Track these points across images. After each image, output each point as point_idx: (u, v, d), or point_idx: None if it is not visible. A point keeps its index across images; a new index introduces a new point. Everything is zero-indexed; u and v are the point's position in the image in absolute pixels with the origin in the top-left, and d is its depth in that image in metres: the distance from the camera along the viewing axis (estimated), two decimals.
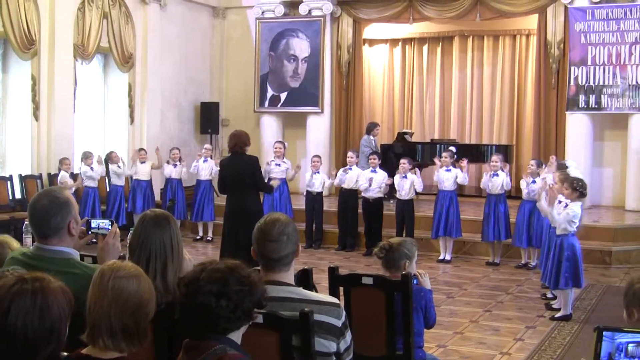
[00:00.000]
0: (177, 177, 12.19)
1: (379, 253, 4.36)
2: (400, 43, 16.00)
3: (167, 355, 2.98)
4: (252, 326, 2.62)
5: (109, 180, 12.23)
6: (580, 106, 12.63)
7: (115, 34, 12.90)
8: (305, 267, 3.86)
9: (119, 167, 11.88)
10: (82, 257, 3.37)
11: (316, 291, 3.55)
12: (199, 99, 15.36)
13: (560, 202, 7.18)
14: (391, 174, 10.87)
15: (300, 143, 14.67)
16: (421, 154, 13.26)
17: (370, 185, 10.75)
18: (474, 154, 13.38)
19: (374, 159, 10.96)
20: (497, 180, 9.99)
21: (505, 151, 12.64)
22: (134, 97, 13.60)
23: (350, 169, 11.09)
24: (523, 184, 9.72)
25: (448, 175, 10.38)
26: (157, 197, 12.53)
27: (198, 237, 12.23)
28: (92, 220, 3.43)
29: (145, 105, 13.75)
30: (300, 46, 14.63)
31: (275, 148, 11.71)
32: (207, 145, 12.69)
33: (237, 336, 2.53)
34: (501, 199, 10.07)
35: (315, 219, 11.41)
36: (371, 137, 12.79)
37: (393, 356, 4.17)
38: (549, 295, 8.08)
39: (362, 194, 10.99)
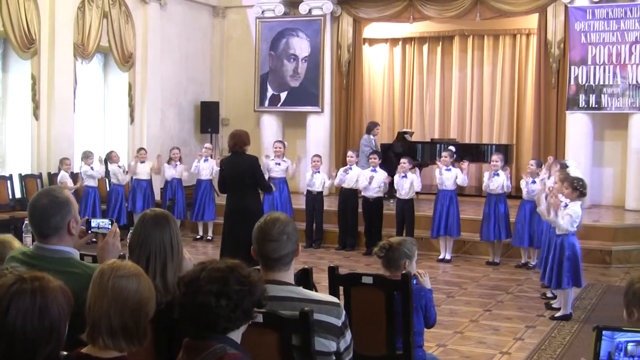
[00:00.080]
0: (177, 177, 12.19)
1: (379, 252, 4.36)
2: (400, 42, 16.00)
3: (167, 354, 2.98)
4: (252, 325, 2.63)
5: (109, 179, 12.23)
6: (580, 106, 12.63)
7: (115, 34, 12.90)
8: (305, 266, 3.86)
9: (119, 167, 11.88)
10: (82, 256, 3.37)
11: (316, 290, 3.55)
12: (199, 99, 15.36)
13: (560, 201, 7.18)
14: (391, 174, 10.86)
15: (300, 142, 14.66)
16: (421, 154, 13.26)
17: (370, 183, 10.75)
18: (474, 153, 13.38)
19: (374, 158, 10.96)
20: (497, 179, 9.99)
21: (505, 151, 12.63)
22: (134, 97, 13.60)
23: (350, 168, 11.09)
24: (523, 183, 9.73)
25: (448, 175, 10.38)
26: (157, 197, 12.53)
27: (198, 237, 12.23)
28: (92, 220, 3.42)
29: (145, 105, 13.74)
30: (300, 45, 14.62)
31: (275, 148, 11.71)
32: (208, 145, 12.69)
33: (237, 335, 2.53)
34: (501, 198, 10.08)
35: (315, 218, 11.41)
36: (371, 136, 12.79)
37: (393, 356, 4.17)
38: (549, 294, 8.09)
39: (362, 194, 11.00)
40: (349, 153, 11.42)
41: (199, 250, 11.25)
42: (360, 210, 11.09)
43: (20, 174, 11.41)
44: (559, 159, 10.59)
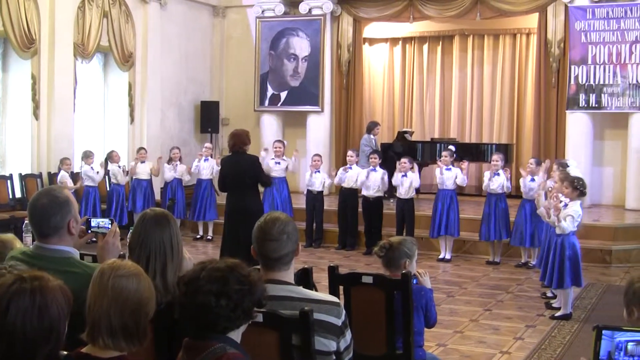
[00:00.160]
0: (177, 177, 12.18)
1: (379, 252, 4.36)
2: (400, 42, 15.99)
3: (167, 354, 2.98)
4: (252, 325, 2.63)
5: (109, 179, 12.23)
6: (580, 105, 12.63)
7: (116, 33, 12.90)
8: (305, 266, 3.86)
9: (119, 167, 11.88)
10: (82, 256, 3.37)
11: (316, 290, 3.55)
12: (199, 98, 15.36)
13: (560, 201, 7.18)
14: (391, 173, 10.87)
15: (301, 142, 14.65)
16: (421, 153, 13.26)
17: (367, 177, 10.74)
18: (474, 153, 13.38)
19: (375, 158, 10.96)
20: (497, 179, 9.99)
21: (505, 150, 12.63)
22: (134, 97, 13.60)
23: (350, 168, 11.09)
24: (522, 182, 9.74)
25: (448, 175, 10.38)
26: (157, 197, 12.53)
27: (198, 236, 12.23)
28: (92, 219, 3.42)
29: (145, 105, 13.74)
30: (300, 45, 14.62)
31: (275, 148, 11.71)
32: (208, 145, 12.69)
33: (236, 335, 2.53)
34: (501, 198, 10.08)
35: (315, 218, 11.41)
36: (371, 136, 12.79)
37: (393, 355, 4.17)
38: (549, 294, 8.09)
39: (362, 193, 11.00)
40: (349, 153, 11.42)
41: (199, 250, 11.25)
42: (360, 209, 11.09)
43: (20, 174, 11.41)
44: (560, 159, 10.59)
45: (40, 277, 2.25)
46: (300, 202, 12.03)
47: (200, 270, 2.52)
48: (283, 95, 14.83)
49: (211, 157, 12.26)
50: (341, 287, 4.30)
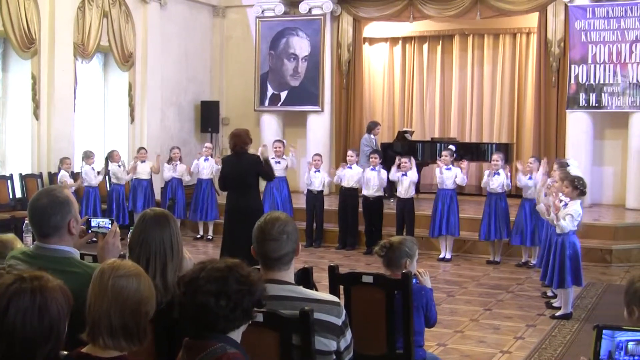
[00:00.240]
0: (177, 177, 12.18)
1: (380, 252, 4.36)
2: (400, 42, 15.99)
3: (167, 354, 2.98)
4: (252, 325, 2.63)
5: (109, 179, 12.23)
6: (580, 104, 12.62)
7: (116, 33, 12.90)
8: (306, 265, 3.86)
9: (119, 166, 11.88)
10: (82, 256, 3.37)
11: (316, 290, 3.55)
12: (199, 98, 15.36)
13: (560, 200, 7.19)
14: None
15: (301, 142, 14.64)
16: (421, 153, 13.26)
17: (364, 171, 10.79)
18: (474, 152, 13.38)
19: (375, 157, 10.96)
20: (497, 178, 9.99)
21: (505, 150, 12.63)
22: (134, 96, 13.60)
23: (350, 167, 11.09)
24: (517, 177, 9.78)
25: (448, 174, 10.38)
26: (158, 196, 12.53)
27: (198, 236, 12.23)
28: (92, 219, 3.43)
29: (145, 104, 13.74)
30: (300, 45, 14.62)
31: (275, 148, 11.71)
32: (208, 144, 12.70)
33: (237, 335, 2.53)
34: (501, 197, 10.08)
35: (315, 217, 11.41)
36: (372, 136, 12.80)
37: (393, 355, 4.17)
38: (549, 293, 8.09)
39: (363, 193, 11.00)
40: (349, 152, 11.42)
41: (199, 250, 11.25)
42: (360, 209, 11.09)
43: (20, 174, 11.41)
44: (560, 158, 10.58)
45: (40, 277, 2.25)
46: (300, 202, 12.03)
47: (200, 270, 2.52)
48: (283, 95, 14.82)
49: (211, 156, 12.26)
50: (341, 287, 4.29)
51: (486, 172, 10.27)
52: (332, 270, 4.31)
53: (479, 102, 15.39)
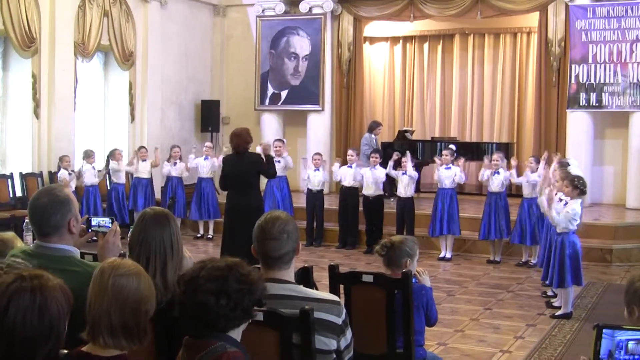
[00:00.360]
0: (177, 175, 12.19)
1: (380, 251, 4.36)
2: (401, 41, 15.99)
3: (167, 353, 2.98)
4: (252, 324, 2.63)
5: (110, 178, 12.24)
6: (581, 104, 12.62)
7: (116, 32, 12.90)
8: (306, 265, 3.86)
9: (119, 165, 11.89)
10: (82, 255, 3.37)
11: (316, 289, 3.55)
12: (200, 97, 15.36)
13: (560, 200, 7.19)
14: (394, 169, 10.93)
15: (301, 141, 14.67)
16: (422, 152, 13.26)
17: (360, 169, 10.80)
18: (475, 151, 13.38)
19: (376, 157, 10.96)
20: (497, 178, 10.00)
21: (506, 149, 12.63)
22: (135, 95, 13.60)
23: (350, 167, 11.09)
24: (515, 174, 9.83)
25: (448, 174, 10.38)
26: (158, 195, 12.54)
27: (199, 235, 12.23)
28: (93, 218, 3.42)
29: (145, 103, 13.74)
30: (300, 44, 14.62)
31: (276, 147, 11.70)
32: (208, 144, 12.71)
33: (237, 334, 2.53)
34: (501, 197, 10.08)
35: (315, 216, 11.41)
36: (372, 135, 12.81)
37: (393, 354, 4.17)
38: (550, 293, 8.09)
39: (363, 192, 11.00)
40: (349, 152, 11.41)
41: (200, 249, 11.25)
42: (361, 208, 11.09)
43: (20, 173, 11.41)
44: (560, 158, 10.58)
45: (40, 276, 2.25)
46: (300, 201, 12.02)
47: (200, 269, 2.52)
48: (283, 94, 14.82)
49: (211, 156, 12.27)
50: (341, 286, 4.30)
51: (487, 171, 10.25)
52: (333, 270, 4.32)
53: (479, 102, 15.39)
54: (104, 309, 2.39)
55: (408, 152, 10.90)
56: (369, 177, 10.83)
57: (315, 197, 11.36)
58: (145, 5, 13.70)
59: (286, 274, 3.09)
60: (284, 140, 12.44)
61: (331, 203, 12.01)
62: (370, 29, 15.53)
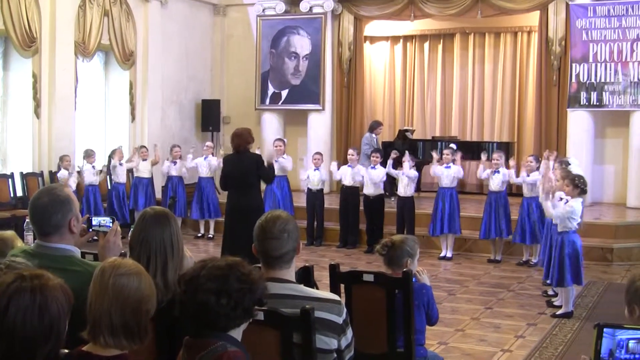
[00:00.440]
0: (177, 175, 12.18)
1: (381, 250, 4.36)
2: (401, 40, 15.99)
3: (167, 352, 2.98)
4: (253, 323, 2.62)
5: (111, 178, 12.24)
6: (581, 103, 12.62)
7: (116, 32, 12.90)
8: (307, 264, 3.86)
9: (120, 164, 11.89)
10: (83, 254, 3.37)
11: (317, 288, 3.55)
12: (200, 97, 15.36)
13: (561, 198, 7.20)
14: (394, 168, 10.92)
15: (302, 140, 14.67)
16: (422, 152, 13.26)
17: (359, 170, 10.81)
18: (476, 151, 13.36)
19: (376, 156, 10.96)
20: (497, 177, 10.00)
21: (506, 148, 12.63)
22: (135, 95, 13.60)
23: (351, 166, 11.09)
24: (514, 174, 9.81)
25: (448, 172, 10.39)
26: (159, 195, 12.54)
27: (199, 235, 12.24)
28: (93, 218, 3.42)
29: (146, 103, 13.74)
30: (301, 43, 14.61)
31: (276, 146, 11.70)
32: (209, 143, 12.71)
33: (237, 333, 2.53)
34: (502, 196, 10.08)
35: (316, 216, 11.41)
36: (373, 135, 12.81)
37: (394, 353, 4.17)
38: (550, 292, 8.09)
39: (363, 191, 11.00)
40: (350, 151, 11.41)
41: (200, 249, 11.25)
42: (361, 208, 11.09)
43: (21, 172, 11.41)
44: (561, 157, 10.58)
45: (41, 275, 2.25)
46: (301, 201, 12.02)
47: (201, 268, 2.52)
48: (284, 93, 14.82)
49: (212, 155, 12.27)
50: (342, 286, 4.30)
51: (487, 170, 10.26)
52: (333, 269, 4.32)
53: (479, 101, 15.39)
54: (104, 309, 2.39)
55: (407, 153, 10.88)
56: (367, 177, 10.83)
57: (315, 197, 11.36)
58: (146, 5, 13.70)
59: (287, 274, 3.09)
60: (285, 139, 12.42)
61: (332, 202, 12.01)
62: (371, 28, 15.52)
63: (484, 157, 10.58)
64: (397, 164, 11.12)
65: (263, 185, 10.35)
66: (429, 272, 4.56)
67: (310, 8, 14.49)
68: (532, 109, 14.09)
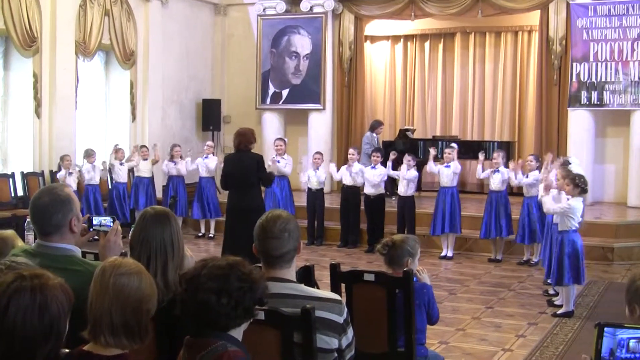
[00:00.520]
0: (177, 174, 12.17)
1: (382, 250, 4.36)
2: (402, 40, 15.99)
3: (168, 352, 2.98)
4: (253, 323, 2.62)
5: (112, 177, 12.24)
6: (582, 102, 12.62)
7: (117, 31, 12.90)
8: (307, 263, 3.86)
9: (121, 164, 11.90)
10: (84, 254, 3.37)
11: (318, 288, 3.55)
12: (201, 96, 15.36)
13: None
14: (394, 169, 10.91)
15: (302, 140, 14.67)
16: (423, 151, 13.26)
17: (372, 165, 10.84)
18: (476, 150, 13.35)
19: (377, 156, 10.96)
20: (497, 176, 10.01)
21: (507, 148, 12.63)
22: (136, 94, 13.60)
23: (351, 166, 11.08)
24: (514, 176, 9.80)
25: (448, 172, 10.39)
26: (159, 194, 12.54)
27: (200, 234, 12.24)
28: (94, 218, 3.42)
29: (146, 103, 13.74)
30: (301, 43, 14.62)
31: (277, 146, 11.70)
32: (209, 143, 12.70)
33: (238, 333, 2.53)
34: (502, 195, 10.08)
35: (316, 215, 11.41)
36: (374, 134, 12.81)
37: (395, 353, 4.17)
38: (551, 291, 8.09)
39: (364, 191, 11.00)
40: (350, 150, 11.41)
41: (201, 248, 11.25)
42: (362, 207, 11.09)
43: (22, 172, 11.42)
44: (561, 156, 10.59)
45: (41, 275, 2.25)
46: (302, 200, 12.01)
47: (202, 267, 2.52)
48: (285, 93, 14.83)
49: (212, 154, 12.28)
50: (343, 285, 4.30)
51: (487, 170, 10.25)
52: (334, 268, 4.32)
53: (480, 100, 15.39)
54: (105, 308, 2.39)
55: (406, 155, 10.85)
56: (375, 176, 10.82)
57: (315, 196, 11.36)
58: (146, 5, 13.70)
59: (287, 273, 3.09)
60: (285, 139, 12.42)
61: (332, 202, 12.01)
62: (371, 27, 15.53)
63: (481, 157, 10.57)
64: (397, 164, 11.11)
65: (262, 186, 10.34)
66: (429, 272, 4.56)
67: (311, 7, 14.49)
68: (533, 108, 14.09)
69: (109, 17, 12.70)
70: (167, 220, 3.22)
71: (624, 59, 12.26)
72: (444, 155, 10.56)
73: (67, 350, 2.41)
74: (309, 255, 10.26)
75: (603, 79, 12.41)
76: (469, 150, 12.99)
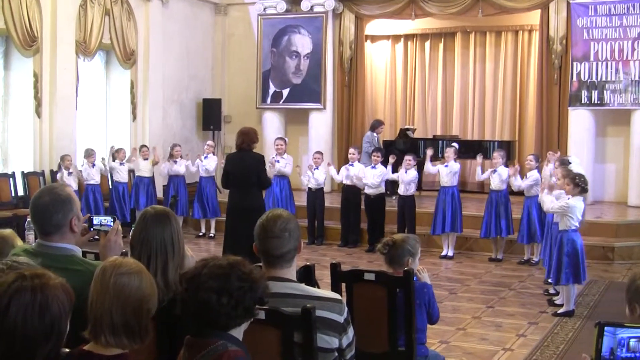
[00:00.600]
0: (174, 174, 12.17)
1: (382, 249, 4.36)
2: (402, 39, 15.99)
3: (168, 351, 2.98)
4: (254, 322, 2.63)
5: (112, 177, 12.24)
6: (582, 102, 12.62)
7: (117, 31, 12.89)
8: (308, 263, 3.86)
9: (121, 164, 11.90)
10: (84, 253, 3.37)
11: (318, 287, 3.55)
12: (201, 96, 15.36)
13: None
14: (393, 171, 10.90)
15: (303, 139, 14.67)
16: (423, 150, 13.24)
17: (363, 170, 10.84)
18: (477, 150, 13.36)
19: (377, 156, 10.95)
20: (497, 176, 10.00)
21: (507, 147, 12.63)
22: (136, 94, 13.59)
23: (352, 165, 11.09)
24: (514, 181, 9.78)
25: (447, 171, 10.39)
26: (160, 194, 12.53)
27: (201, 234, 12.24)
28: (94, 217, 3.43)
29: (147, 102, 13.74)
30: (302, 42, 14.62)
31: (277, 145, 11.70)
32: (210, 142, 12.71)
33: (238, 332, 2.53)
34: (503, 194, 10.08)
35: (317, 215, 11.41)
36: (374, 134, 12.81)
37: (395, 352, 4.17)
38: (552, 291, 8.09)
39: (364, 190, 11.00)
40: (351, 150, 11.41)
41: (202, 248, 11.26)
42: (363, 207, 11.09)
43: (22, 172, 11.42)
44: (562, 156, 10.59)
45: (41, 274, 2.25)
46: (302, 200, 12.01)
47: (202, 267, 2.52)
48: (285, 92, 14.83)
49: (213, 154, 12.28)
50: (343, 285, 4.29)
51: (488, 170, 10.25)
52: (334, 268, 4.31)
53: (481, 100, 15.38)
54: (105, 308, 2.39)
55: (407, 156, 10.84)
56: (374, 176, 10.81)
57: (315, 196, 11.36)
58: (147, 4, 13.69)
59: (288, 273, 3.09)
60: (286, 138, 12.42)
61: (333, 201, 12.01)
62: (372, 27, 15.53)
63: (479, 159, 10.53)
64: (397, 166, 11.11)
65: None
66: (430, 271, 4.56)
67: (311, 7, 14.49)
68: (533, 108, 14.09)
69: (109, 17, 12.70)
70: (167, 220, 3.22)
71: (625, 59, 12.26)
72: (445, 155, 10.56)
73: (67, 350, 2.41)
74: (310, 254, 10.26)
75: (603, 79, 12.41)
76: (470, 149, 12.98)
